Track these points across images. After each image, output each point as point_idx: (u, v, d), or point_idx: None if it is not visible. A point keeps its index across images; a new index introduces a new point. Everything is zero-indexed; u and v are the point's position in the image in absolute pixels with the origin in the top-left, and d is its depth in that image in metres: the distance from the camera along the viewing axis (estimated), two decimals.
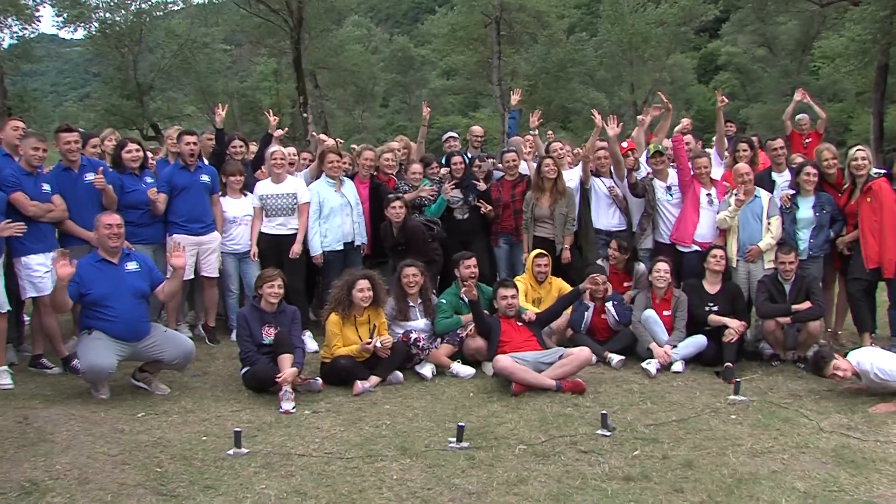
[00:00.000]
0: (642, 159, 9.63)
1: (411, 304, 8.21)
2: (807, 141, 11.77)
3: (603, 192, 9.40)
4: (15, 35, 34.19)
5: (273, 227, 8.98)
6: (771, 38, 48.32)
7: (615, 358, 8.06)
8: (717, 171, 9.43)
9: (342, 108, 55.04)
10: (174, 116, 38.14)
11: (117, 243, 6.93)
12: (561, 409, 6.60)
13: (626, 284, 9.00)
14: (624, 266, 8.99)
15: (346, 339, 7.50)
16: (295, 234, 8.97)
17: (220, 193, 9.08)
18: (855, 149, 8.55)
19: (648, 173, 9.44)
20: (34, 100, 36.51)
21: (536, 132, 10.32)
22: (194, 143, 8.79)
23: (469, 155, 10.54)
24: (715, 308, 8.22)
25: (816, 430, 6.06)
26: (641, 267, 9.08)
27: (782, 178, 9.18)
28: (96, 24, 36.47)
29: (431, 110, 11.39)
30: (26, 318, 8.49)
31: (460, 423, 5.81)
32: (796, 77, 44.86)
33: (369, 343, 7.34)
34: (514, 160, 9.79)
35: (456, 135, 11.44)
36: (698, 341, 8.06)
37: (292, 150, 9.59)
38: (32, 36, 35.60)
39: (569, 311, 8.50)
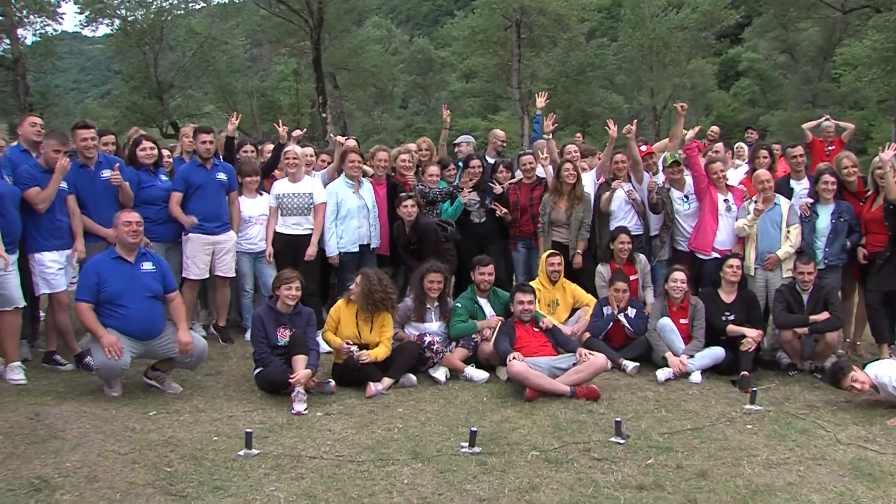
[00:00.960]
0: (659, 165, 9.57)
1: (428, 306, 8.18)
2: (829, 148, 11.69)
3: (622, 197, 9.30)
4: (38, 33, 34.53)
5: (289, 226, 8.99)
6: (792, 45, 48.00)
7: (630, 364, 7.99)
8: (733, 175, 9.40)
9: (361, 109, 55.13)
10: (194, 115, 38.38)
11: (135, 240, 6.93)
12: (575, 415, 6.55)
13: (633, 278, 8.86)
14: (627, 257, 8.94)
15: (343, 328, 7.58)
16: (311, 235, 8.97)
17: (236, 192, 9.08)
18: (878, 157, 8.46)
19: (664, 181, 9.37)
20: (56, 97, 36.75)
21: (550, 136, 10.23)
22: (210, 141, 8.77)
23: (488, 158, 10.49)
24: (731, 317, 8.14)
25: (833, 442, 5.99)
26: (642, 257, 9.07)
27: (801, 186, 9.12)
28: (118, 22, 36.78)
29: (451, 113, 11.37)
30: (42, 314, 8.51)
31: (473, 428, 5.79)
32: (817, 84, 44.69)
33: (349, 345, 7.35)
34: (531, 163, 9.72)
35: (471, 139, 11.39)
36: (716, 353, 7.99)
37: (309, 149, 9.57)
38: (55, 33, 35.93)
39: (588, 315, 8.49)
